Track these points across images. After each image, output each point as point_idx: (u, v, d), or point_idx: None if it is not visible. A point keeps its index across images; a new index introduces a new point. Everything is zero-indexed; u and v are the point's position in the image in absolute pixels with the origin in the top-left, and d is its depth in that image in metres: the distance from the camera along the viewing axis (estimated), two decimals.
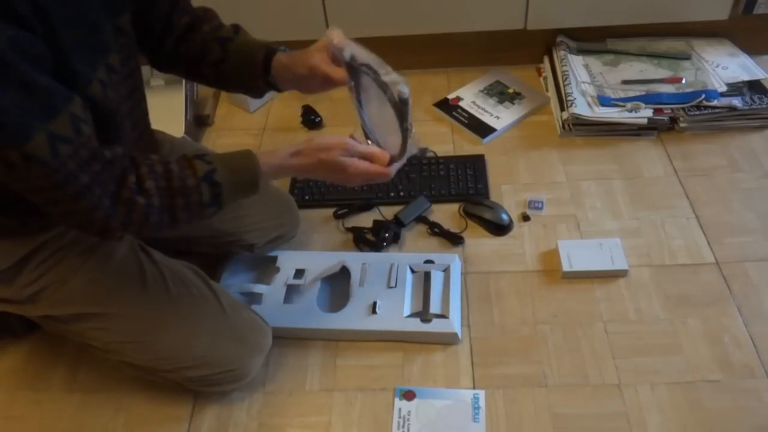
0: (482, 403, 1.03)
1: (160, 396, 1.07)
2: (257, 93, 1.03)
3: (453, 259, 1.21)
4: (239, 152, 0.89)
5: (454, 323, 1.11)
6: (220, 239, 1.17)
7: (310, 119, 1.60)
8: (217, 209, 0.87)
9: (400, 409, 1.03)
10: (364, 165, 0.90)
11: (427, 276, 1.17)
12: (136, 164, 0.82)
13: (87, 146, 0.75)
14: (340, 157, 0.89)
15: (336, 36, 0.91)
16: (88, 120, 0.76)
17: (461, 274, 1.21)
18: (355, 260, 1.21)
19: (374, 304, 1.13)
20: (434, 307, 1.13)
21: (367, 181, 0.92)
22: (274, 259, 1.23)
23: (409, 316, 1.12)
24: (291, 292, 1.17)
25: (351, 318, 1.12)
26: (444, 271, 1.19)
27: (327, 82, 0.94)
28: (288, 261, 1.22)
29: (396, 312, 1.12)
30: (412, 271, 1.20)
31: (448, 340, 1.11)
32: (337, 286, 1.20)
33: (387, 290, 1.16)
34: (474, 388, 1.06)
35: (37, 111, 0.70)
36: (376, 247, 1.26)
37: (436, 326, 1.10)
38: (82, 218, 0.79)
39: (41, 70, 0.70)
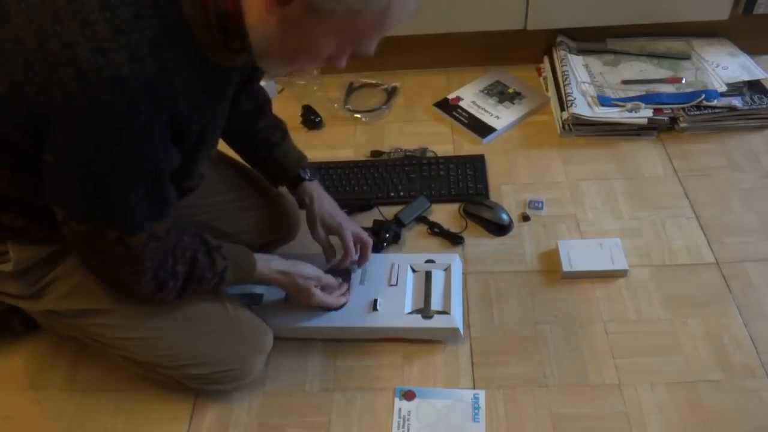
0: (482, 403, 1.03)
1: (160, 396, 1.07)
2: (275, 186, 1.20)
3: (454, 259, 1.20)
4: (245, 255, 1.00)
5: (456, 319, 1.11)
6: (219, 238, 1.17)
7: (310, 119, 1.60)
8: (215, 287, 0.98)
9: (400, 409, 1.03)
10: (325, 298, 1.08)
11: (428, 275, 1.17)
12: (173, 246, 0.90)
13: (167, 245, 0.87)
14: (312, 287, 1.06)
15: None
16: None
17: (462, 273, 1.21)
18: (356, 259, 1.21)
19: (375, 301, 1.12)
20: (436, 303, 1.13)
21: (320, 306, 1.09)
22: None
23: (410, 313, 1.12)
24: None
25: (352, 316, 1.12)
26: (445, 270, 1.19)
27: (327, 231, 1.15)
28: None
29: (397, 309, 1.12)
30: (413, 271, 1.20)
31: (449, 336, 1.11)
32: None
33: (388, 288, 1.15)
34: (474, 388, 1.06)
35: (154, 215, 0.82)
36: (375, 247, 1.26)
37: (437, 322, 1.10)
38: (120, 285, 0.90)
39: (170, 182, 0.81)
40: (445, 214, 1.35)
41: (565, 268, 1.19)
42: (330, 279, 1.10)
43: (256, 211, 1.19)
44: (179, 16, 0.72)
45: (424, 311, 1.12)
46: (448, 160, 1.45)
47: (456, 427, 1.01)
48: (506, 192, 1.39)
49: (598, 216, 1.32)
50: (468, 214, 1.33)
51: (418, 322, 1.10)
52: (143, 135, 0.72)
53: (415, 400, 1.04)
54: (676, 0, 1.54)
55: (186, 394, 1.07)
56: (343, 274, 1.16)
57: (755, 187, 1.35)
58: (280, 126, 1.17)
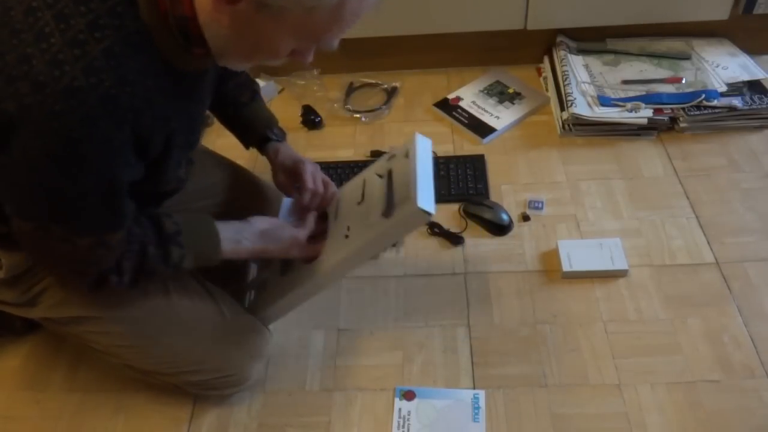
0: (482, 403, 1.03)
1: (160, 396, 1.07)
2: (245, 146, 1.18)
3: (412, 140, 1.06)
4: (208, 240, 0.94)
5: (418, 199, 0.95)
6: None
7: (310, 119, 1.60)
8: (171, 275, 0.94)
9: (400, 409, 1.03)
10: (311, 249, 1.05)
11: (389, 174, 1.06)
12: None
13: (115, 252, 0.84)
14: (298, 244, 1.03)
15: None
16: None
17: (428, 150, 1.07)
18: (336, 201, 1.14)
19: (347, 228, 1.04)
20: (396, 197, 1.00)
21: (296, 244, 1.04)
22: (264, 282, 1.17)
23: (375, 221, 1.00)
24: (286, 263, 1.11)
25: (329, 256, 1.03)
26: (406, 157, 1.05)
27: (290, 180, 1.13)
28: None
29: (364, 224, 1.02)
30: (380, 177, 1.08)
31: (417, 221, 1.00)
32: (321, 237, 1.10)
33: (357, 208, 1.06)
34: (474, 388, 1.06)
35: (106, 225, 0.80)
36: None
37: (399, 213, 0.97)
38: (71, 274, 0.88)
39: (127, 193, 0.79)
40: (445, 214, 1.35)
41: (565, 268, 1.19)
42: (305, 229, 1.05)
43: (256, 211, 1.18)
44: (138, 23, 0.70)
45: (386, 211, 1.00)
46: (448, 160, 1.45)
47: (456, 427, 1.01)
48: (506, 192, 1.39)
49: (598, 216, 1.32)
50: (468, 214, 1.33)
51: (381, 224, 0.99)
52: (101, 147, 0.70)
53: (415, 400, 1.04)
54: (676, 0, 1.54)
55: (186, 394, 1.06)
56: (320, 223, 1.10)
57: (755, 187, 1.35)
58: (249, 87, 1.15)
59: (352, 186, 1.14)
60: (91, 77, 0.66)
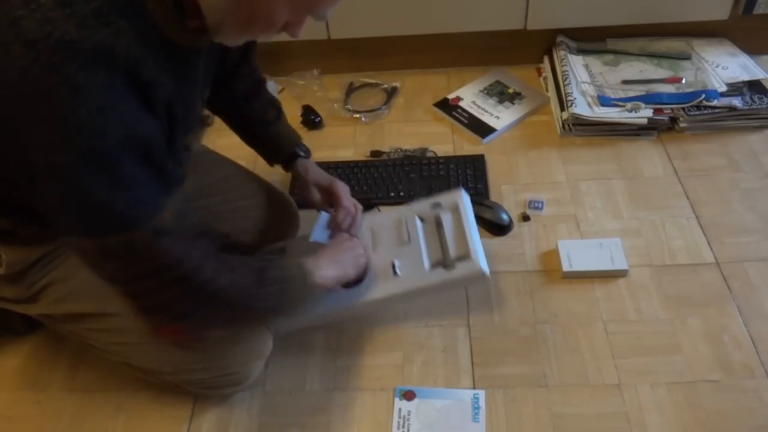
0: (482, 403, 1.03)
1: (160, 396, 1.07)
2: (270, 164, 1.21)
3: (459, 195, 1.15)
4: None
5: (479, 261, 1.05)
6: (215, 240, 1.17)
7: (310, 119, 1.60)
8: (289, 289, 0.93)
9: (400, 409, 1.03)
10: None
11: (438, 221, 1.13)
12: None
13: (199, 223, 0.82)
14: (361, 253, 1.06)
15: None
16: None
17: (471, 208, 1.16)
18: (362, 227, 1.17)
19: (393, 265, 1.08)
20: (453, 250, 1.08)
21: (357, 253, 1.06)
22: (283, 249, 1.20)
23: (431, 268, 1.07)
24: None
25: (372, 287, 1.07)
26: (453, 211, 1.14)
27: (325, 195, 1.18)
28: (296, 248, 1.18)
29: (417, 267, 1.07)
30: (422, 221, 1.15)
31: (478, 282, 1.07)
32: None
33: (401, 247, 1.11)
34: (474, 388, 1.06)
35: (164, 187, 0.76)
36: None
37: (461, 270, 1.05)
38: (192, 299, 0.82)
39: (164, 157, 0.76)
40: None
41: (565, 268, 1.19)
42: (357, 240, 1.09)
43: (255, 212, 1.19)
44: None
45: (445, 262, 1.07)
46: (448, 160, 1.45)
47: (456, 427, 1.01)
48: (506, 192, 1.39)
49: (598, 216, 1.32)
50: None
51: (442, 275, 1.06)
52: (105, 92, 0.67)
53: (415, 400, 1.04)
54: (676, 0, 1.54)
55: (186, 394, 1.07)
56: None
57: (755, 187, 1.35)
58: (274, 105, 1.18)
59: (387, 219, 1.18)
60: (82, 31, 0.66)
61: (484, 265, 1.06)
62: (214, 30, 0.76)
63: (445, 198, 1.17)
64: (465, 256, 1.07)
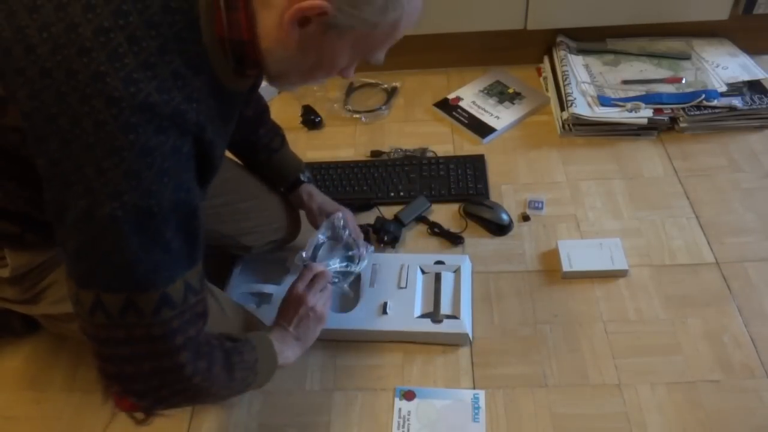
0: (482, 403, 1.03)
1: None
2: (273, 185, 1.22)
3: (463, 260, 1.21)
4: (251, 333, 0.95)
5: (465, 324, 1.11)
6: (217, 241, 1.17)
7: (310, 119, 1.60)
8: (254, 378, 0.91)
9: (400, 409, 1.03)
10: (320, 295, 1.03)
11: (437, 277, 1.17)
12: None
13: (203, 302, 0.79)
14: (318, 307, 1.02)
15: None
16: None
17: (471, 275, 1.21)
18: (366, 260, 1.20)
19: (385, 304, 1.13)
20: (445, 307, 1.13)
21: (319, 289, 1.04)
22: (284, 259, 1.23)
23: (419, 317, 1.12)
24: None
25: (362, 318, 1.12)
26: (454, 272, 1.19)
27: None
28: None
29: (407, 312, 1.12)
30: (423, 272, 1.20)
31: (458, 341, 1.11)
32: (348, 287, 1.20)
33: (397, 291, 1.16)
34: (474, 388, 1.06)
35: (185, 259, 0.75)
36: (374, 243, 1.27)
37: (447, 327, 1.10)
38: (160, 379, 0.78)
39: (199, 227, 0.76)
40: (445, 214, 1.35)
41: (565, 268, 1.19)
42: (306, 275, 1.05)
43: (257, 213, 1.18)
44: (199, 47, 0.72)
45: (434, 315, 1.12)
46: (448, 160, 1.45)
47: (456, 427, 1.01)
48: (506, 192, 1.39)
49: (598, 216, 1.32)
50: (468, 214, 1.33)
51: (427, 326, 1.10)
52: (172, 156, 0.70)
53: (415, 400, 1.04)
54: (676, 0, 1.54)
55: None
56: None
57: (755, 187, 1.35)
58: (279, 132, 1.20)
59: (391, 261, 1.22)
60: (163, 95, 0.68)
61: (469, 329, 1.11)
62: (276, 78, 0.79)
63: (450, 259, 1.21)
64: (454, 315, 1.12)
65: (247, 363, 0.88)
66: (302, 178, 1.20)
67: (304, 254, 1.10)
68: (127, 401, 0.80)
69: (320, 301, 1.03)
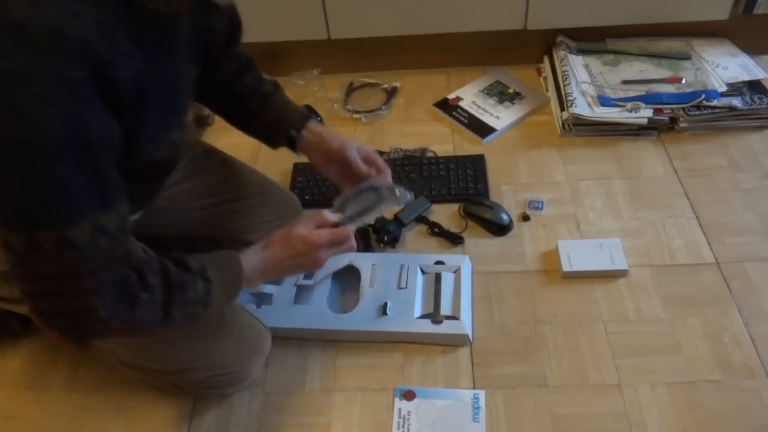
0: (482, 403, 1.03)
1: (160, 396, 1.07)
2: (272, 145, 1.11)
3: (463, 261, 1.21)
4: (220, 252, 0.90)
5: (465, 325, 1.11)
6: (222, 238, 1.17)
7: None
8: (203, 309, 0.85)
9: (400, 409, 1.03)
10: (325, 231, 0.95)
11: (437, 277, 1.17)
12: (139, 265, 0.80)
13: (124, 246, 0.75)
14: (304, 231, 0.93)
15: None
16: (130, 221, 0.77)
17: (471, 275, 1.21)
18: (365, 261, 1.21)
19: (385, 305, 1.12)
20: (445, 308, 1.13)
21: (332, 243, 0.95)
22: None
23: (419, 318, 1.12)
24: (301, 292, 1.17)
25: (361, 319, 1.12)
26: (454, 272, 1.19)
27: (343, 170, 1.05)
28: None
29: (407, 313, 1.12)
30: (423, 273, 1.20)
31: (458, 342, 1.11)
32: (348, 287, 1.20)
33: (397, 291, 1.15)
34: (474, 388, 1.06)
35: (97, 201, 0.70)
36: (370, 247, 1.27)
37: (447, 327, 1.10)
38: (76, 318, 0.74)
39: (112, 159, 0.71)
40: (445, 214, 1.35)
41: (565, 268, 1.19)
42: (333, 233, 0.96)
43: (259, 210, 1.18)
44: None
45: (434, 316, 1.12)
46: (448, 160, 1.45)
47: (456, 427, 1.01)
48: (506, 192, 1.39)
49: (598, 216, 1.32)
50: (468, 214, 1.33)
51: (427, 327, 1.10)
52: (56, 86, 0.63)
53: (415, 400, 1.04)
54: (676, 0, 1.54)
55: (186, 394, 1.07)
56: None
57: (755, 187, 1.35)
58: (270, 79, 1.10)
59: (391, 261, 1.21)
60: (34, 11, 0.62)
61: (469, 330, 1.11)
62: None
63: (450, 259, 1.21)
64: (454, 316, 1.12)
65: (191, 299, 0.82)
66: (307, 114, 1.08)
67: (348, 213, 1.00)
68: (55, 333, 0.77)
69: (327, 255, 0.95)
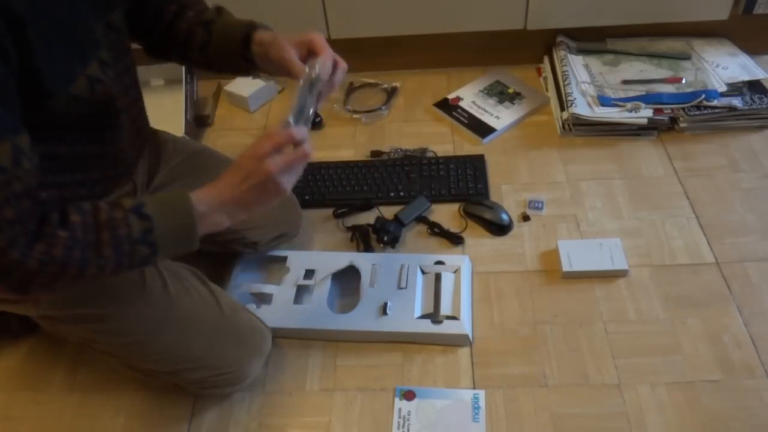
0: (482, 403, 1.03)
1: (160, 396, 1.07)
2: (245, 73, 1.04)
3: (463, 261, 1.21)
4: (172, 192, 0.84)
5: (465, 325, 1.11)
6: (223, 237, 1.17)
7: None
8: (150, 251, 0.80)
9: (400, 409, 1.03)
10: (281, 158, 0.85)
11: (437, 277, 1.17)
12: (64, 205, 0.77)
13: (22, 180, 0.71)
14: (272, 175, 0.84)
15: (318, 46, 0.95)
16: (34, 158, 0.73)
17: (471, 275, 1.21)
18: (366, 261, 1.21)
19: (385, 305, 1.12)
20: (445, 308, 1.13)
21: (290, 170, 0.86)
22: (284, 259, 1.23)
23: (420, 318, 1.12)
24: (301, 292, 1.17)
25: (362, 319, 1.12)
26: (454, 272, 1.19)
27: (286, 73, 0.96)
28: (298, 261, 1.22)
29: (407, 313, 1.12)
30: (423, 273, 1.20)
31: (458, 342, 1.11)
32: (348, 287, 1.20)
33: (397, 291, 1.15)
34: (474, 388, 1.06)
35: None
36: (370, 247, 1.27)
37: (446, 328, 1.10)
38: None
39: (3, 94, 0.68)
40: (445, 214, 1.35)
41: (565, 268, 1.19)
42: (277, 136, 0.86)
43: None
44: None
45: (434, 316, 1.12)
46: (448, 160, 1.45)
47: (456, 427, 1.01)
48: (506, 192, 1.39)
49: (598, 216, 1.32)
50: (468, 214, 1.33)
51: (427, 327, 1.10)
52: None
53: (415, 400, 1.04)
54: (676, 0, 1.54)
55: (186, 394, 1.07)
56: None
57: (755, 187, 1.35)
58: (214, 7, 1.03)
59: (391, 261, 1.21)
60: None
61: (469, 330, 1.11)
62: None
63: (450, 259, 1.21)
64: (454, 316, 1.12)
65: (125, 237, 0.77)
66: (255, 24, 0.99)
67: (290, 118, 0.90)
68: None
69: (285, 176, 0.85)
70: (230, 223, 0.86)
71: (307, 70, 0.93)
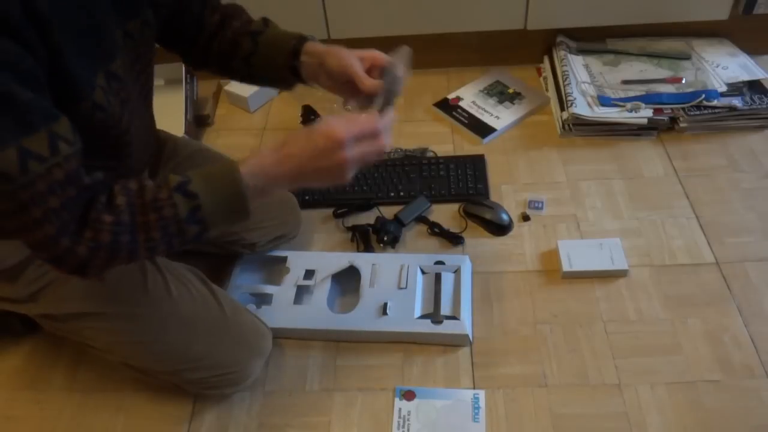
0: (482, 403, 1.03)
1: (160, 396, 1.07)
2: (286, 85, 1.04)
3: (463, 261, 1.21)
4: (220, 164, 0.81)
5: (466, 324, 1.11)
6: (221, 238, 1.17)
7: (310, 119, 1.60)
8: (201, 229, 0.78)
9: (400, 409, 1.03)
10: (359, 148, 0.81)
11: (437, 277, 1.18)
12: (110, 187, 0.77)
13: (63, 167, 0.71)
14: (326, 127, 0.80)
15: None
16: (76, 141, 0.73)
17: (471, 274, 1.21)
18: (365, 261, 1.21)
19: (385, 305, 1.12)
20: (445, 308, 1.13)
21: (361, 162, 0.83)
22: (284, 259, 1.23)
23: (420, 318, 1.12)
24: (301, 292, 1.17)
25: (362, 319, 1.12)
26: (455, 272, 1.19)
27: (350, 86, 0.94)
28: (298, 261, 1.22)
29: (407, 313, 1.12)
30: (423, 272, 1.20)
31: (458, 342, 1.11)
32: (348, 287, 1.20)
33: (398, 291, 1.15)
34: (474, 388, 1.06)
35: (11, 125, 0.67)
36: (370, 247, 1.27)
37: (447, 327, 1.10)
38: (46, 250, 0.73)
39: (25, 84, 0.68)
40: (445, 214, 1.35)
41: (565, 268, 1.19)
42: (361, 123, 0.81)
43: (260, 207, 1.18)
44: None
45: (434, 316, 1.12)
46: (448, 160, 1.45)
47: (456, 427, 1.01)
48: (506, 192, 1.39)
49: (598, 216, 1.32)
50: (468, 214, 1.33)
51: (427, 327, 1.10)
52: None
53: (415, 400, 1.04)
54: (676, 0, 1.54)
55: (186, 393, 1.07)
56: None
57: (755, 187, 1.35)
58: (261, 18, 1.04)
59: (391, 261, 1.21)
60: None
61: (469, 330, 1.11)
62: None
63: (450, 259, 1.21)
64: (454, 316, 1.12)
65: (172, 217, 0.76)
66: (306, 36, 0.98)
67: (377, 106, 0.88)
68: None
69: (354, 166, 0.81)
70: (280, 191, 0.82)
71: (387, 69, 0.93)
